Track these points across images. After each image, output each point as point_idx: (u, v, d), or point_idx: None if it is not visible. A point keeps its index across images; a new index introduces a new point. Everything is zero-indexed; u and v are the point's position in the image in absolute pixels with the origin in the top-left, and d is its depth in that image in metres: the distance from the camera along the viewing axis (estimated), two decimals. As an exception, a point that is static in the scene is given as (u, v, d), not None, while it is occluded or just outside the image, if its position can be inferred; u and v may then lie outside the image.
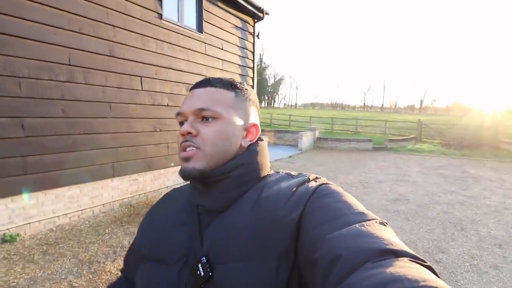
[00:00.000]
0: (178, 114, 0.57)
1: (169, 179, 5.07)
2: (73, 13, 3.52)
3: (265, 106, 71.78)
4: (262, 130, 14.46)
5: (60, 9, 3.40)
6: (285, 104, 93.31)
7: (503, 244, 3.49)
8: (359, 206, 0.47)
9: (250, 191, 0.54)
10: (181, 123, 0.57)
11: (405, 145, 13.14)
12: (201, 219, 0.54)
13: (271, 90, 76.60)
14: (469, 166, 8.97)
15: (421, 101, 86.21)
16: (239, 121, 0.57)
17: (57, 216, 3.58)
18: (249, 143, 0.58)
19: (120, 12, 4.06)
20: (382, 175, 7.32)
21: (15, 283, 2.48)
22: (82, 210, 3.84)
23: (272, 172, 0.61)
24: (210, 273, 0.47)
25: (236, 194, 0.53)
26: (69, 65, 3.53)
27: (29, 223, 3.32)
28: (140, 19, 4.35)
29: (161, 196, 0.69)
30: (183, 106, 0.57)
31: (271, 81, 73.95)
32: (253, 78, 7.44)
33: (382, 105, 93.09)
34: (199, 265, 0.48)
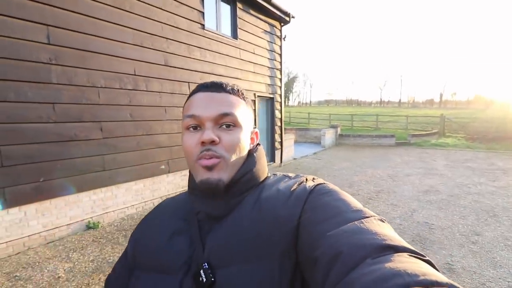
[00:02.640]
0: (191, 116, 0.53)
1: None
2: (136, 29, 4.03)
3: (280, 105, 71.85)
4: (284, 129, 14.81)
5: (126, 26, 3.91)
6: (299, 102, 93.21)
7: (535, 228, 3.72)
8: (357, 204, 0.47)
9: (249, 195, 0.54)
10: (190, 128, 0.54)
11: (429, 139, 13.15)
12: (201, 225, 0.54)
13: (285, 88, 76.75)
14: (496, 159, 8.99)
15: (441, 95, 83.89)
16: (249, 129, 0.59)
17: (127, 207, 4.10)
18: (251, 149, 0.59)
19: (171, 25, 4.55)
20: (409, 169, 7.52)
21: (111, 260, 2.99)
22: (145, 201, 4.35)
23: (269, 174, 0.62)
24: (213, 279, 0.47)
25: (239, 199, 0.54)
26: (134, 75, 4.05)
27: (106, 213, 3.85)
28: (187, 30, 4.83)
29: None
30: (196, 109, 0.53)
31: (285, 80, 74.15)
32: (280, 79, 7.82)
33: (400, 100, 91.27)
34: (201, 271, 0.48)
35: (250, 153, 0.58)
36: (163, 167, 4.55)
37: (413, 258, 0.34)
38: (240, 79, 6.10)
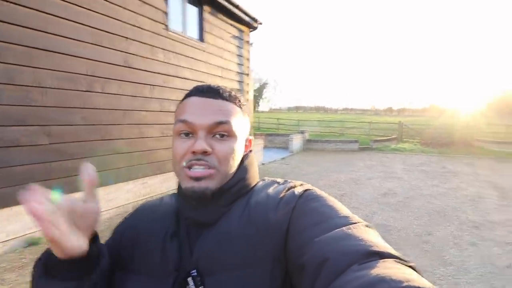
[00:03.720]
0: (183, 122, 0.51)
1: (177, 182, 5.34)
2: (92, 27, 3.79)
3: (249, 110, 72.25)
4: (253, 134, 14.85)
5: (82, 23, 3.66)
6: (269, 108, 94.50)
7: (479, 226, 4.03)
8: (344, 210, 0.48)
9: (238, 201, 0.54)
10: (181, 134, 0.52)
11: (389, 145, 13.91)
12: (190, 231, 0.53)
13: (256, 94, 77.45)
14: (447, 163, 9.72)
15: (400, 103, 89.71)
16: (244, 138, 0.57)
17: (79, 217, 3.79)
18: (243, 156, 0.58)
19: (133, 25, 4.35)
20: (370, 173, 7.87)
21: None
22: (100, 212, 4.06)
23: (258, 180, 0.61)
24: (202, 286, 0.46)
25: (230, 206, 0.53)
26: (89, 75, 3.79)
27: (55, 224, 3.53)
28: (150, 31, 4.65)
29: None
30: (189, 115, 0.51)
31: (256, 86, 74.82)
32: (249, 84, 7.83)
33: (363, 107, 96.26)
34: (189, 279, 0.47)
35: (242, 161, 0.57)
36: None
37: (398, 264, 0.35)
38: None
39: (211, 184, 0.50)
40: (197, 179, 0.50)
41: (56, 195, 0.42)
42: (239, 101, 0.56)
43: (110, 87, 4.07)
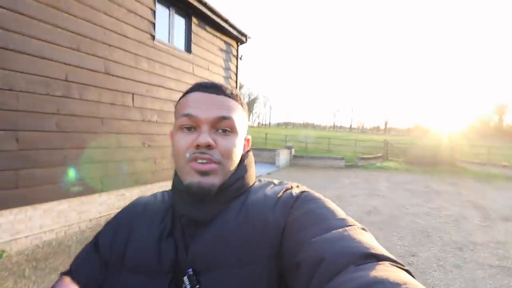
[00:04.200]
0: (187, 116, 0.51)
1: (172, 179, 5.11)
2: (72, 32, 3.66)
3: (239, 125, 72.39)
4: (240, 148, 14.70)
5: (59, 27, 3.54)
6: (259, 123, 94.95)
7: (462, 247, 3.98)
8: (341, 212, 0.48)
9: (235, 199, 0.54)
10: (184, 128, 0.52)
11: (374, 163, 14.04)
12: (185, 229, 0.52)
13: (245, 109, 78.04)
14: (431, 182, 9.83)
15: (386, 123, 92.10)
16: (244, 135, 0.58)
17: (44, 232, 3.53)
18: (243, 155, 0.59)
19: (116, 33, 4.25)
20: (355, 190, 7.82)
21: (10, 297, 2.46)
22: (69, 225, 3.80)
23: (255, 180, 0.62)
24: (197, 285, 0.46)
25: (227, 205, 0.53)
26: (66, 80, 3.63)
27: (16, 239, 3.25)
28: (135, 40, 4.56)
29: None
30: (194, 109, 0.51)
31: (245, 101, 75.38)
32: (235, 98, 7.78)
33: (351, 125, 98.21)
34: (185, 277, 0.47)
35: (242, 160, 0.57)
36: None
37: (394, 267, 0.34)
38: (191, 94, 5.90)
39: (216, 180, 0.51)
40: (204, 173, 0.49)
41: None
42: (240, 99, 0.57)
43: (89, 93, 3.91)
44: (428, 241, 4.22)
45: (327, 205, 0.49)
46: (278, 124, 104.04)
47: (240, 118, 0.55)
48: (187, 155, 0.50)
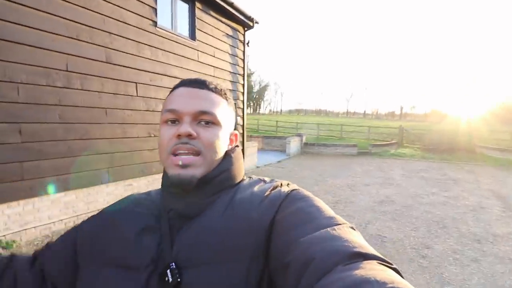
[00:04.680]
0: (170, 111, 0.53)
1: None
2: (70, 20, 3.57)
3: (250, 112, 72.19)
4: (250, 136, 14.62)
5: (58, 16, 3.44)
6: (270, 110, 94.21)
7: (481, 240, 3.77)
8: (329, 211, 0.48)
9: (223, 195, 0.54)
10: (168, 121, 0.53)
11: (388, 150, 13.64)
12: (172, 224, 0.52)
13: (257, 96, 77.29)
14: (448, 169, 9.46)
15: (401, 108, 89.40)
16: (229, 129, 0.59)
17: (53, 222, 3.56)
18: (229, 149, 0.59)
19: (116, 20, 4.13)
20: (368, 179, 7.61)
21: None
22: (77, 216, 3.82)
23: (245, 177, 0.61)
24: (179, 279, 0.45)
25: (212, 199, 0.53)
26: (67, 71, 3.57)
27: (25, 229, 3.29)
28: (136, 27, 4.43)
29: None
30: (176, 103, 0.53)
31: (256, 88, 74.61)
32: (243, 85, 7.61)
33: (365, 111, 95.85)
34: (168, 271, 0.46)
35: (228, 154, 0.57)
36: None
37: (382, 266, 0.35)
38: (197, 82, 5.77)
39: (197, 172, 0.51)
40: (184, 166, 0.50)
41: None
42: (225, 93, 0.58)
43: (91, 84, 3.84)
44: (444, 232, 4.03)
45: (316, 204, 0.49)
46: (290, 111, 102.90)
47: (223, 112, 0.56)
48: (170, 146, 0.51)
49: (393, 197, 5.79)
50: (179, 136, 0.51)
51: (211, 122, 0.53)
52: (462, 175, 8.55)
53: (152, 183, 4.88)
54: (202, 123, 0.53)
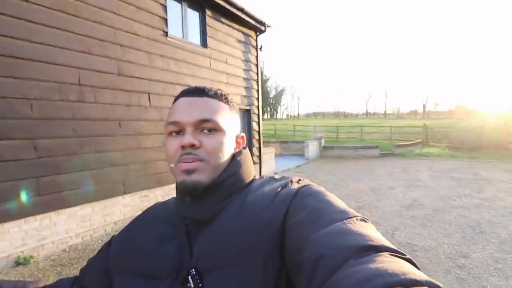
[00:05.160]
0: (173, 123, 0.54)
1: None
2: (81, 34, 3.60)
3: (267, 118, 72.11)
4: (268, 142, 14.47)
5: (69, 31, 3.49)
6: (287, 115, 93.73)
7: (526, 246, 3.38)
8: (341, 204, 0.48)
9: (234, 198, 0.54)
10: (172, 133, 0.54)
11: (413, 150, 13.02)
12: (190, 231, 0.53)
13: (273, 101, 77.10)
14: (480, 168, 8.84)
15: (424, 106, 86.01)
16: (234, 133, 0.59)
17: (70, 237, 3.56)
18: (236, 152, 0.60)
19: (127, 32, 4.15)
20: (392, 181, 7.22)
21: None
22: (94, 228, 3.81)
23: (256, 177, 0.62)
24: (200, 284, 0.47)
25: (224, 203, 0.53)
26: (79, 84, 3.59)
27: (42, 245, 3.30)
28: (147, 37, 4.44)
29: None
30: (177, 115, 0.54)
31: (272, 93, 74.46)
32: (257, 90, 7.50)
33: (385, 111, 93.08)
34: (189, 277, 0.47)
35: (234, 157, 0.58)
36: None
37: (394, 257, 0.34)
38: (211, 90, 5.71)
39: (201, 177, 0.52)
40: (188, 172, 0.51)
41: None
42: (226, 98, 0.59)
43: (103, 96, 3.86)
44: (482, 238, 3.66)
45: (327, 198, 0.49)
46: (307, 115, 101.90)
47: (225, 117, 0.56)
48: (176, 157, 0.52)
49: (421, 200, 5.41)
50: (183, 147, 0.52)
51: (214, 129, 0.54)
52: (495, 174, 7.95)
53: (168, 193, 4.83)
54: (205, 131, 0.53)
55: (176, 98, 0.58)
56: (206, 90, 0.57)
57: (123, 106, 4.12)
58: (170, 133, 0.54)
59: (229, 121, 0.57)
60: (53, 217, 3.39)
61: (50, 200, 3.33)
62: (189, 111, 0.53)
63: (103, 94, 3.85)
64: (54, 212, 3.39)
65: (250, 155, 0.63)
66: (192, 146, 0.51)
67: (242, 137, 0.62)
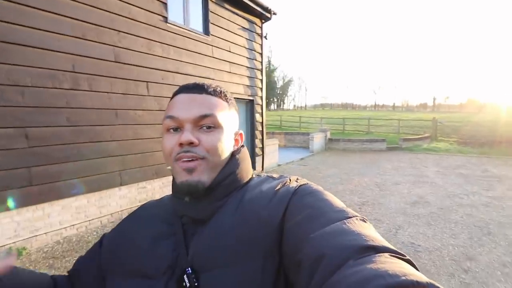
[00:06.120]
0: (170, 117, 0.52)
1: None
2: (76, 19, 3.46)
3: (274, 108, 71.53)
4: (273, 133, 14.30)
5: (63, 15, 3.34)
6: (294, 106, 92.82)
7: (537, 251, 3.21)
8: (340, 204, 0.47)
9: (232, 197, 0.54)
10: (170, 130, 0.53)
11: (420, 144, 12.72)
12: (186, 229, 0.52)
13: (280, 92, 76.27)
14: (490, 165, 8.56)
15: (434, 99, 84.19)
16: (233, 131, 0.58)
17: (64, 228, 3.50)
18: (234, 150, 0.58)
19: (125, 17, 3.99)
20: (398, 176, 7.03)
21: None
22: (89, 220, 3.75)
23: (254, 176, 0.61)
24: (196, 283, 0.46)
25: (222, 202, 0.53)
26: (73, 72, 3.47)
27: (35, 236, 3.25)
28: (145, 23, 4.27)
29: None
30: (176, 110, 0.52)
31: (279, 83, 73.56)
32: (261, 80, 7.30)
33: (394, 104, 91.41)
34: (185, 276, 0.47)
35: (233, 155, 0.57)
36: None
37: (394, 258, 0.34)
38: (213, 79, 5.55)
39: (202, 177, 0.51)
40: (189, 170, 0.50)
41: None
42: (225, 95, 0.58)
43: (99, 84, 3.73)
44: (490, 240, 3.49)
45: (325, 197, 0.49)
46: (315, 106, 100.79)
47: (224, 113, 0.55)
48: (173, 155, 0.51)
49: (427, 198, 5.23)
50: (181, 144, 0.51)
51: (213, 126, 0.53)
52: (506, 171, 7.68)
53: (166, 185, 4.75)
54: (204, 128, 0.53)
55: (175, 94, 0.57)
56: (206, 86, 0.56)
57: (120, 95, 3.99)
58: (168, 130, 0.53)
59: (228, 118, 0.56)
60: (47, 208, 3.33)
61: (42, 190, 3.26)
62: (188, 107, 0.52)
63: (99, 82, 3.73)
64: (47, 203, 3.32)
65: (248, 153, 0.62)
66: (191, 143, 0.50)
67: (241, 134, 0.61)
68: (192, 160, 0.50)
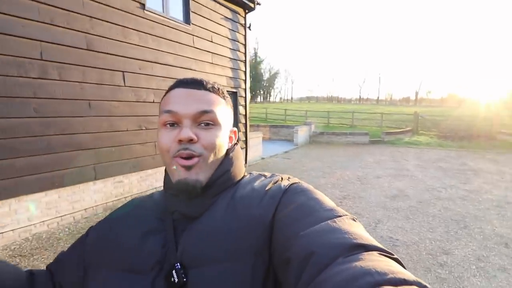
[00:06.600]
0: (168, 112, 0.51)
1: (157, 179, 4.81)
2: (43, 3, 3.21)
3: (260, 101, 71.29)
4: (258, 125, 14.22)
5: (29, -2, 3.09)
6: (281, 98, 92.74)
7: (509, 243, 3.31)
8: (330, 203, 0.48)
9: (224, 194, 0.53)
10: (167, 125, 0.51)
11: (402, 137, 12.99)
12: (176, 225, 0.52)
13: (267, 84, 76.02)
14: (467, 158, 8.83)
15: (416, 93, 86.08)
16: (229, 128, 0.58)
17: (33, 224, 3.32)
18: (228, 148, 0.58)
19: (98, 2, 3.75)
20: (380, 170, 7.13)
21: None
22: (61, 216, 3.58)
23: (246, 174, 0.61)
24: (185, 279, 0.45)
25: (214, 199, 0.53)
26: (41, 59, 3.24)
27: (1, 233, 3.06)
28: (121, 10, 4.04)
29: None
30: (175, 104, 0.51)
31: (266, 75, 73.27)
32: (245, 72, 7.16)
33: (378, 97, 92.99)
34: (173, 271, 0.46)
35: (227, 153, 0.57)
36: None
37: (383, 256, 0.34)
38: (194, 70, 5.38)
39: (200, 175, 0.51)
40: (188, 167, 0.50)
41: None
42: (222, 92, 0.58)
43: (70, 73, 3.52)
44: (465, 234, 3.58)
45: (316, 196, 0.49)
46: (301, 99, 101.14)
47: (222, 111, 0.55)
48: (171, 151, 0.50)
49: (407, 191, 5.32)
50: (180, 141, 0.50)
51: (211, 123, 0.52)
52: (483, 164, 7.94)
53: (145, 179, 4.60)
54: (202, 124, 0.52)
55: (171, 88, 0.55)
56: (204, 83, 0.55)
57: (94, 85, 3.78)
58: (165, 124, 0.52)
59: (226, 115, 0.56)
60: (13, 204, 3.14)
61: (8, 185, 3.06)
62: (187, 102, 0.51)
63: (69, 71, 3.51)
64: (14, 198, 3.13)
65: (241, 151, 0.62)
66: (190, 140, 0.50)
67: (235, 131, 0.61)
68: (190, 157, 0.50)
